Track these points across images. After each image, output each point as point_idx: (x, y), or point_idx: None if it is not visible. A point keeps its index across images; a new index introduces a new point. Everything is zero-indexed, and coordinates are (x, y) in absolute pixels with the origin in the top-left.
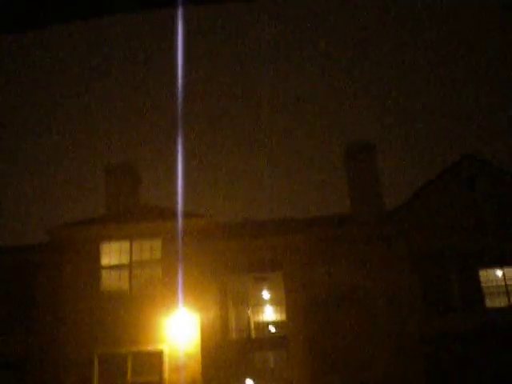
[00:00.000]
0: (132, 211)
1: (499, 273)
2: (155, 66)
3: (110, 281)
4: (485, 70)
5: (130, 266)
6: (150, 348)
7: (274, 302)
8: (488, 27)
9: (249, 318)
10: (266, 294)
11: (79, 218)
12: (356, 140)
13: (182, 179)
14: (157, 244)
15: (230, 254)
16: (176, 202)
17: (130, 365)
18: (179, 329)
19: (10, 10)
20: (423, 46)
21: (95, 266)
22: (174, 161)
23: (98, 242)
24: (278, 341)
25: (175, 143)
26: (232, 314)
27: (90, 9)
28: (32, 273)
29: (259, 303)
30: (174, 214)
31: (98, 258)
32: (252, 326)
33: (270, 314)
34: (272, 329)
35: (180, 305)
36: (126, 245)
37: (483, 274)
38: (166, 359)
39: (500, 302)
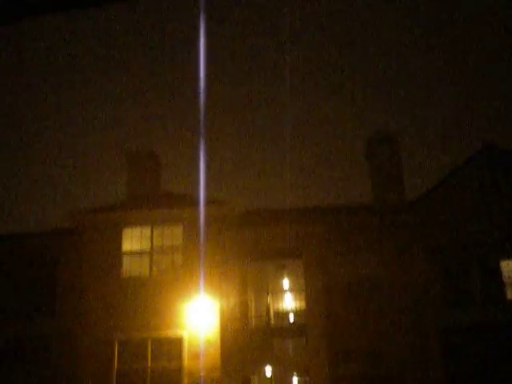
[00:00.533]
0: (153, 197)
1: None
2: (179, 53)
3: (131, 266)
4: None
5: (151, 252)
6: (170, 334)
7: (293, 289)
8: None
9: (268, 305)
10: (285, 282)
11: (101, 203)
12: (378, 130)
13: (203, 166)
14: (178, 230)
15: (251, 241)
16: (197, 189)
17: (149, 350)
18: (199, 315)
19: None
20: (444, 36)
21: (116, 252)
22: (196, 147)
23: (119, 227)
24: (297, 329)
25: (197, 131)
26: (252, 301)
27: None
28: (54, 257)
29: (279, 291)
30: (195, 201)
31: (119, 244)
32: (272, 313)
33: (289, 301)
34: (291, 317)
35: (200, 291)
36: (147, 231)
37: (504, 266)
38: (185, 345)
39: None
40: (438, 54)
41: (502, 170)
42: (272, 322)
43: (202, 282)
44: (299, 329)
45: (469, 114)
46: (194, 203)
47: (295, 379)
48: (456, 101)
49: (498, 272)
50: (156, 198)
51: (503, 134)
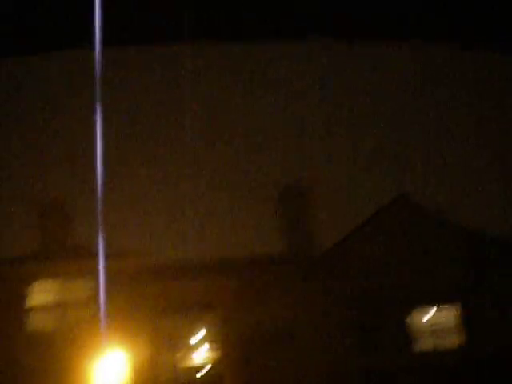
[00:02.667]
0: (63, 250)
1: (429, 314)
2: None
3: (39, 321)
4: (418, 113)
5: (59, 306)
6: None
7: (208, 341)
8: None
9: (181, 359)
10: (199, 335)
11: (9, 255)
12: (290, 183)
13: (101, 217)
14: (88, 284)
15: (162, 294)
16: (106, 242)
17: None
18: (109, 371)
19: None
20: (360, 90)
21: (23, 306)
22: (100, 200)
23: (26, 280)
24: (211, 382)
25: (99, 180)
26: (163, 355)
27: None
28: None
29: (192, 345)
30: (104, 254)
31: (26, 298)
32: (185, 367)
33: (203, 355)
34: (205, 370)
35: (110, 346)
36: (56, 284)
37: (414, 315)
38: None
39: (429, 342)
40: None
41: (412, 222)
42: (184, 377)
43: (111, 337)
44: (215, 381)
45: (381, 164)
46: (104, 257)
47: None
48: (371, 153)
49: (407, 321)
50: (65, 250)
51: (415, 186)
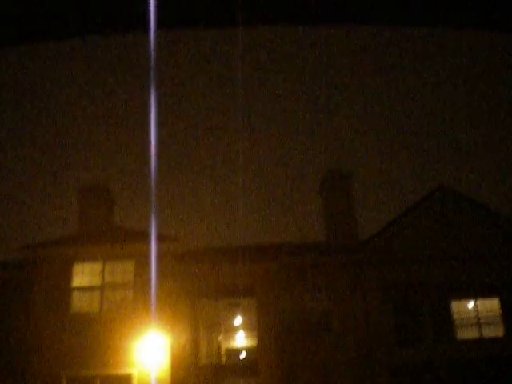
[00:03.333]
0: (105, 232)
1: (471, 304)
2: (128, 86)
3: (81, 302)
4: (461, 105)
5: (101, 288)
6: (119, 371)
7: (246, 327)
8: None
9: (220, 343)
10: (238, 320)
11: (52, 237)
12: (332, 168)
13: (155, 201)
14: (129, 266)
15: (204, 278)
16: (150, 225)
17: None
18: (149, 353)
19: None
20: (400, 77)
21: (66, 287)
22: (148, 183)
23: (70, 262)
24: (248, 367)
25: (149, 165)
26: (203, 339)
27: (59, 30)
28: (3, 291)
29: (231, 329)
30: (147, 237)
31: (69, 279)
32: (223, 351)
33: (241, 339)
34: (243, 355)
35: (151, 328)
36: (98, 266)
37: (455, 306)
38: (135, 383)
39: (471, 333)
40: (390, 97)
41: (453, 211)
42: (223, 360)
43: (152, 319)
44: (251, 367)
45: (425, 155)
46: (146, 239)
47: None
48: (413, 142)
49: (448, 311)
50: (108, 233)
51: (455, 176)
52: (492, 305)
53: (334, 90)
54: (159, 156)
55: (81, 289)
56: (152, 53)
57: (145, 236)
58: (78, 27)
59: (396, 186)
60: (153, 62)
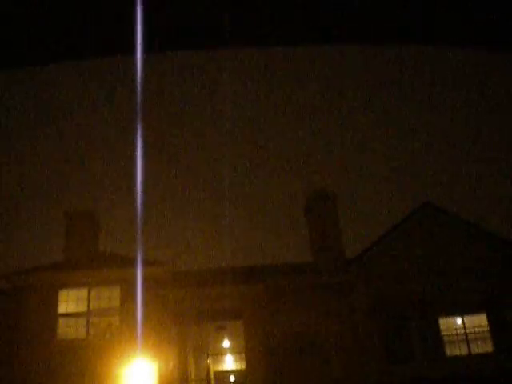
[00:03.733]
0: (91, 258)
1: (459, 321)
2: (115, 108)
3: (67, 329)
4: (441, 121)
5: (87, 314)
6: None
7: (234, 350)
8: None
9: (208, 367)
10: (226, 343)
11: (37, 264)
12: (317, 189)
13: (140, 226)
14: (115, 292)
15: (190, 302)
16: (135, 250)
17: None
18: (137, 378)
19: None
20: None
21: (52, 314)
22: (134, 208)
23: (55, 289)
24: None
25: (135, 190)
26: (191, 363)
27: (50, 54)
28: None
29: (219, 352)
30: (132, 262)
31: (55, 306)
32: (211, 375)
33: (230, 363)
34: (232, 378)
35: (138, 354)
36: (83, 292)
37: (443, 322)
38: None
39: (460, 350)
40: (374, 113)
41: (440, 227)
42: (210, 382)
43: (139, 345)
44: None
45: (408, 172)
46: (132, 264)
47: None
48: (394, 160)
49: (437, 328)
50: (93, 258)
51: (440, 193)
52: (480, 321)
53: (318, 110)
54: (145, 180)
55: (67, 315)
56: (139, 76)
57: (130, 261)
58: (62, 52)
59: (382, 203)
60: (139, 86)
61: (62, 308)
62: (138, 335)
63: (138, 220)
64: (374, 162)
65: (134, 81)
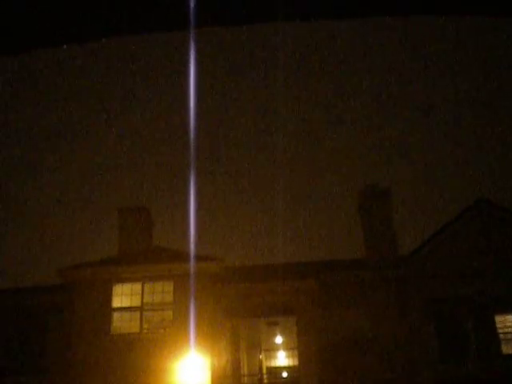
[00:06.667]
0: (144, 253)
1: None
2: (168, 104)
3: (121, 323)
4: (499, 118)
5: (141, 309)
6: None
7: (286, 346)
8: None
9: (261, 362)
10: (278, 339)
11: (91, 259)
12: (371, 185)
13: (194, 221)
14: (168, 287)
15: (243, 297)
16: (188, 245)
17: None
18: (190, 373)
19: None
20: (441, 93)
21: (106, 308)
22: (187, 203)
23: (109, 283)
24: None
25: (188, 185)
26: (244, 358)
27: (94, 29)
28: (44, 314)
29: (272, 348)
30: (186, 257)
31: (109, 300)
32: (264, 370)
33: (282, 358)
34: (284, 374)
35: (191, 348)
36: (137, 287)
37: (499, 320)
38: None
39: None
40: (429, 111)
41: (494, 224)
42: (265, 379)
43: (192, 339)
44: None
45: (461, 168)
46: (185, 260)
47: None
48: (450, 157)
49: (493, 326)
50: (147, 253)
51: (495, 189)
52: None
53: (370, 105)
54: (198, 174)
55: (121, 309)
56: (192, 63)
57: (183, 256)
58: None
59: (436, 200)
60: (192, 73)
61: (116, 302)
62: (191, 330)
63: (191, 215)
64: (429, 156)
65: (186, 75)
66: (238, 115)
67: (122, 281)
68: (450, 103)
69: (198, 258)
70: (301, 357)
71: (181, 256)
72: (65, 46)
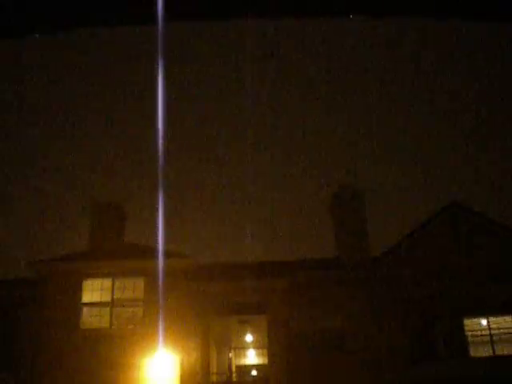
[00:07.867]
0: (115, 249)
1: (484, 322)
2: (137, 97)
3: (91, 318)
4: (473, 123)
5: (111, 304)
6: None
7: (257, 345)
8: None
9: (230, 360)
10: (249, 337)
11: (62, 253)
12: (344, 185)
13: (162, 218)
14: (139, 283)
15: (214, 295)
16: (158, 242)
17: None
18: (159, 370)
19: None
20: (420, 99)
21: (76, 303)
22: (157, 199)
23: (80, 278)
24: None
25: (158, 182)
26: (213, 356)
27: (68, 21)
28: (12, 308)
29: (242, 346)
30: (157, 254)
31: (79, 295)
32: (233, 369)
33: (252, 357)
34: (254, 372)
35: (160, 345)
36: (108, 282)
37: (468, 323)
38: None
39: (484, 351)
40: (403, 112)
41: (465, 227)
42: (234, 377)
43: (162, 336)
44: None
45: (434, 172)
46: (156, 256)
47: None
48: (420, 160)
49: (461, 329)
50: (118, 249)
51: (467, 192)
52: (505, 322)
53: (345, 104)
54: (168, 171)
55: (91, 304)
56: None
57: (155, 253)
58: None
59: (409, 201)
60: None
61: (86, 297)
62: (161, 327)
63: (160, 211)
64: (402, 157)
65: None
66: (210, 109)
67: (92, 276)
68: (425, 104)
69: (168, 254)
70: (270, 355)
71: (152, 252)
72: (37, 36)
